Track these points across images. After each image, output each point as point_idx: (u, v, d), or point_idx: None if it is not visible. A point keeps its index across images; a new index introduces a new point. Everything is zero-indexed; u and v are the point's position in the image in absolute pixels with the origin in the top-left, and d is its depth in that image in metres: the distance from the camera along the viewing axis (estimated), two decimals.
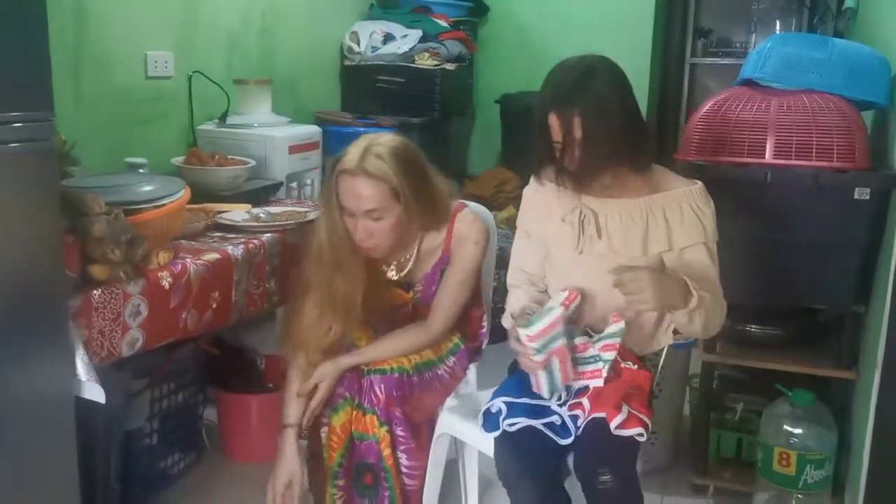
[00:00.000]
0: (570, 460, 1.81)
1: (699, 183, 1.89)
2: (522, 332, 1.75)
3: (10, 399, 1.61)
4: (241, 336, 2.91)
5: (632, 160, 1.82)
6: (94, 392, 1.77)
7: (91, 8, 2.65)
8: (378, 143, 1.87)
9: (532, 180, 1.99)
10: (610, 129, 1.75)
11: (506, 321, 1.97)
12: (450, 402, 2.07)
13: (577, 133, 1.74)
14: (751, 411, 2.62)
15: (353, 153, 1.86)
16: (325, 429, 2.04)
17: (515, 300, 1.98)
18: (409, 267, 2.07)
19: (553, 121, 1.76)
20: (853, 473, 2.32)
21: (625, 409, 1.74)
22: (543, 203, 1.94)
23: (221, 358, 2.78)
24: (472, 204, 2.16)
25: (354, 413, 1.99)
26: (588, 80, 1.75)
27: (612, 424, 1.72)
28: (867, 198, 2.17)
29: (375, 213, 1.88)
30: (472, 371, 2.19)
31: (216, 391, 2.75)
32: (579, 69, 1.77)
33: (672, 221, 1.84)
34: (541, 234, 1.96)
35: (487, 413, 1.85)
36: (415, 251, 2.06)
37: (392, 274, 2.08)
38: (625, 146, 1.78)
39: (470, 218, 2.06)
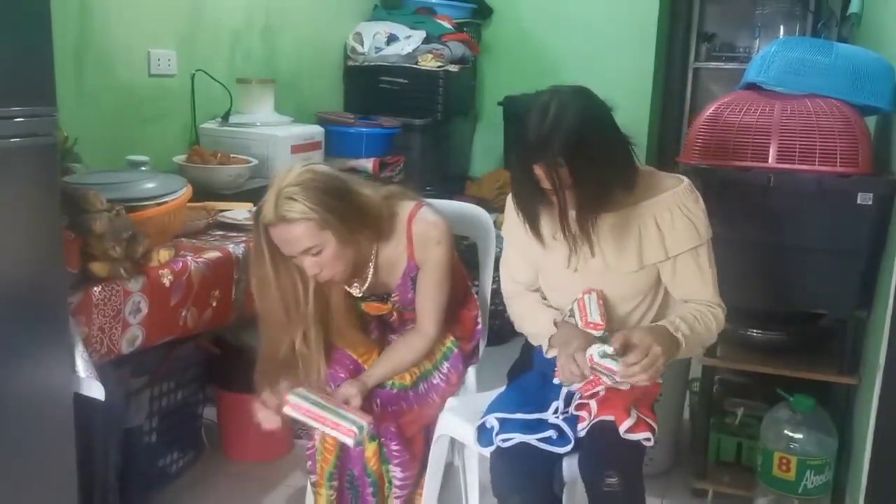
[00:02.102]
0: (569, 465, 1.81)
1: (685, 180, 1.83)
2: (597, 350, 1.69)
3: (9, 395, 1.60)
4: (242, 335, 2.90)
5: (623, 182, 1.76)
6: (93, 389, 1.77)
7: (95, 4, 2.65)
8: (286, 185, 1.80)
9: None
10: (598, 164, 1.67)
11: (529, 328, 1.93)
12: (451, 402, 2.06)
13: (568, 180, 1.66)
14: (751, 416, 2.61)
15: (268, 203, 1.81)
16: (318, 432, 2.04)
17: (534, 309, 1.92)
18: (370, 280, 2.02)
19: (539, 172, 1.67)
20: (853, 479, 2.31)
21: (634, 413, 1.73)
22: None
23: (221, 357, 2.78)
24: (430, 202, 2.09)
25: None
26: (564, 124, 1.64)
27: (622, 428, 1.71)
28: (870, 203, 2.16)
29: (313, 250, 1.83)
30: (471, 374, 2.19)
31: (216, 390, 2.75)
32: (552, 112, 1.65)
33: (664, 228, 1.79)
34: (530, 247, 1.90)
35: (482, 428, 1.84)
36: (372, 264, 2.02)
37: (356, 291, 2.05)
38: (615, 173, 1.73)
39: (426, 219, 1.99)
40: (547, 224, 1.83)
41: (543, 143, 1.64)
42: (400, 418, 2.00)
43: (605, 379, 1.70)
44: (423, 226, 1.98)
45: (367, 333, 2.13)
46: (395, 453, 1.99)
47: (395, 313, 2.12)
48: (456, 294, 2.14)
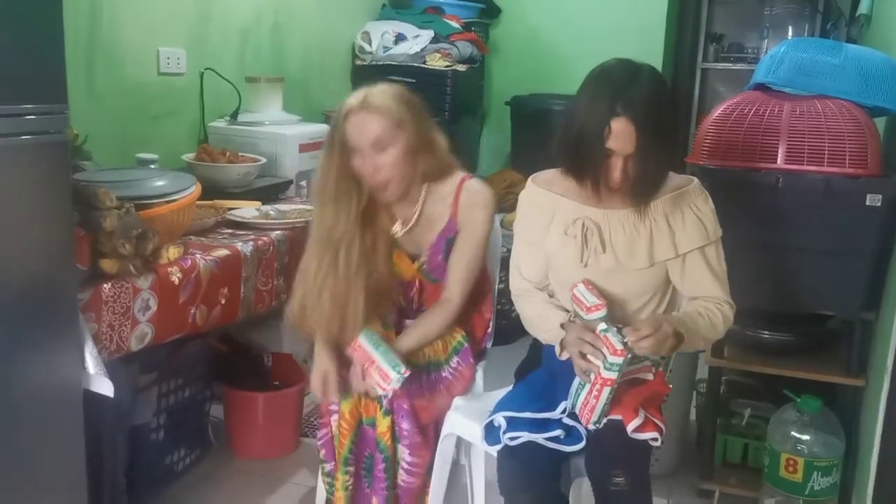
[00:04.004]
0: (575, 464, 1.81)
1: (695, 180, 1.85)
2: (601, 327, 1.69)
3: (20, 391, 1.62)
4: (249, 333, 2.92)
5: (670, 170, 1.79)
6: (102, 385, 1.78)
7: (105, 3, 2.66)
8: (378, 85, 1.99)
9: (529, 184, 1.93)
10: (672, 138, 1.73)
11: (544, 332, 1.91)
12: (457, 402, 2.07)
13: (650, 142, 1.66)
14: (758, 417, 2.61)
15: (354, 96, 1.96)
16: (335, 416, 2.06)
17: (545, 311, 1.90)
18: (413, 221, 2.08)
19: (622, 126, 1.64)
20: (860, 481, 2.31)
21: (642, 413, 1.73)
22: (544, 212, 1.88)
23: (229, 355, 2.79)
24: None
25: (362, 399, 2.02)
26: (657, 90, 1.69)
27: (630, 427, 1.71)
28: (879, 204, 2.16)
29: (381, 144, 1.95)
30: (478, 373, 2.19)
31: (223, 388, 2.76)
32: (643, 76, 1.68)
33: (675, 226, 1.80)
34: (542, 243, 1.90)
35: (489, 426, 1.85)
36: (419, 205, 2.08)
37: (398, 229, 2.10)
38: (676, 155, 1.78)
39: (475, 186, 2.08)
40: (560, 220, 1.85)
41: (636, 100, 1.65)
42: (414, 399, 2.01)
43: (596, 362, 1.68)
44: (471, 190, 2.07)
45: (387, 324, 2.14)
46: (405, 433, 1.99)
47: (418, 285, 2.14)
48: (476, 289, 2.16)
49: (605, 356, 1.65)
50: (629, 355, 1.64)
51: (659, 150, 1.69)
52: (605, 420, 1.71)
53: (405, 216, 2.10)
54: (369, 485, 2.06)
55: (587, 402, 1.70)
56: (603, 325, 1.68)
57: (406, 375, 1.89)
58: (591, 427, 1.71)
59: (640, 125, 1.64)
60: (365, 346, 1.94)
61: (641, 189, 1.74)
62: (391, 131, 1.95)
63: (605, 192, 1.79)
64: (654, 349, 1.66)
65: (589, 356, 1.69)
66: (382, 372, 1.90)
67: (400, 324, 2.17)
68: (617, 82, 1.68)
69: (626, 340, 1.64)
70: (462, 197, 2.06)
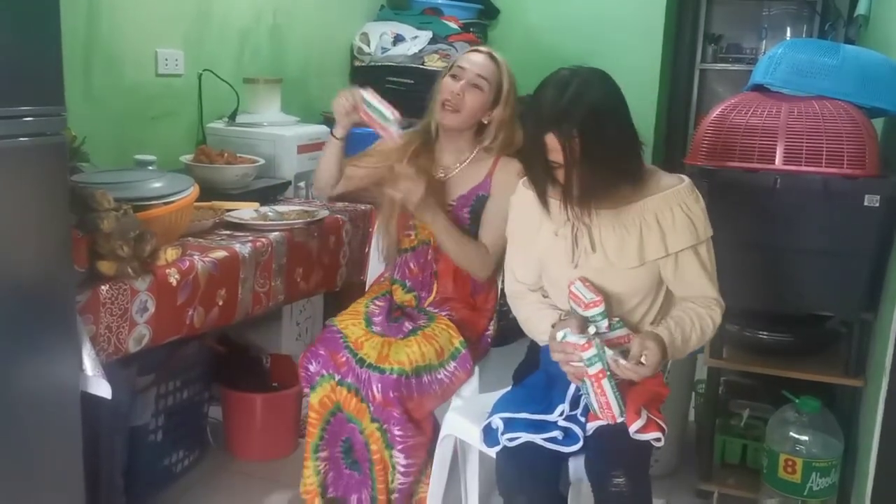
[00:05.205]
0: (574, 465, 1.81)
1: (686, 179, 1.84)
2: (560, 334, 1.72)
3: (17, 393, 1.61)
4: (248, 334, 2.92)
5: (630, 173, 1.78)
6: (100, 387, 1.78)
7: (103, 4, 2.66)
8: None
9: (519, 186, 1.95)
10: (612, 145, 1.70)
11: (539, 334, 1.92)
12: (455, 402, 2.07)
13: (578, 155, 1.66)
14: (756, 417, 2.61)
15: (486, 46, 2.29)
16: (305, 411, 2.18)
17: (538, 312, 1.92)
18: (453, 173, 2.26)
19: (552, 141, 1.68)
20: (859, 481, 2.31)
21: (644, 414, 1.73)
22: (534, 213, 1.88)
23: (227, 356, 2.79)
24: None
25: (340, 390, 2.06)
26: (585, 97, 1.67)
27: (632, 429, 1.71)
28: (877, 205, 2.16)
29: (478, 81, 2.17)
30: (475, 376, 2.19)
31: (221, 389, 2.76)
32: (575, 85, 1.68)
33: (665, 225, 1.80)
34: (533, 245, 1.91)
35: (488, 428, 1.85)
36: (464, 161, 2.26)
37: (441, 174, 2.28)
38: (623, 160, 1.74)
39: (513, 168, 2.13)
40: (550, 219, 1.85)
41: (561, 113, 1.66)
42: (404, 404, 2.02)
43: (578, 365, 1.71)
44: (508, 161, 2.22)
45: (371, 323, 2.18)
46: (398, 438, 2.02)
47: (430, 250, 2.23)
48: (476, 284, 2.25)
49: (580, 356, 1.69)
50: (597, 342, 1.69)
51: (596, 160, 1.68)
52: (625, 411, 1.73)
53: (447, 167, 2.28)
54: (349, 466, 2.12)
55: (599, 402, 1.72)
56: (561, 333, 1.72)
57: (397, 117, 2.14)
58: (618, 421, 1.72)
59: (567, 139, 1.66)
60: (365, 109, 2.18)
61: (583, 198, 1.74)
62: (490, 84, 2.19)
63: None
64: (633, 378, 1.72)
65: (571, 363, 1.72)
66: (381, 126, 2.16)
67: (385, 331, 2.17)
68: (548, 96, 1.70)
69: (588, 335, 1.69)
70: (500, 163, 2.23)
